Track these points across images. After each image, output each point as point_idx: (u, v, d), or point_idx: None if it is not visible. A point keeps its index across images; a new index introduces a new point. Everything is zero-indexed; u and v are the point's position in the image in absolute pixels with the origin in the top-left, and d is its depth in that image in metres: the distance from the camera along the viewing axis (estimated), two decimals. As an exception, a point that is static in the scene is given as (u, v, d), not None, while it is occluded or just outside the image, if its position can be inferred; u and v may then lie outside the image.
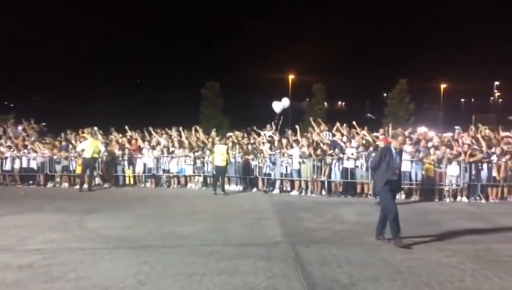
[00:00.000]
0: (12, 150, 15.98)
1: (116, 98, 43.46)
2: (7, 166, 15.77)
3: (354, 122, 15.49)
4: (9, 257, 6.65)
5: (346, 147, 13.66)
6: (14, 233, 8.20)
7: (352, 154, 13.18)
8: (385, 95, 44.07)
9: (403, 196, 12.81)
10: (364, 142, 13.69)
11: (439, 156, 12.60)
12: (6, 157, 15.81)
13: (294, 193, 13.83)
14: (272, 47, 53.00)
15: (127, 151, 15.60)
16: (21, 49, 46.82)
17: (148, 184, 15.51)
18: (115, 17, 61.02)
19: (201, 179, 15.22)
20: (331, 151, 13.73)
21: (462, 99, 66.73)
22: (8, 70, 43.89)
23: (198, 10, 61.99)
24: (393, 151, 7.62)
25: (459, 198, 12.68)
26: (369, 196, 12.90)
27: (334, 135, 15.19)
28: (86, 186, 14.34)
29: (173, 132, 17.39)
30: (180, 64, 51.59)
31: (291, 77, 45.09)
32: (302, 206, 11.59)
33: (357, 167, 13.08)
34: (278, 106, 17.08)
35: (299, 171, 13.83)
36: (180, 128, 17.09)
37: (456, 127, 21.53)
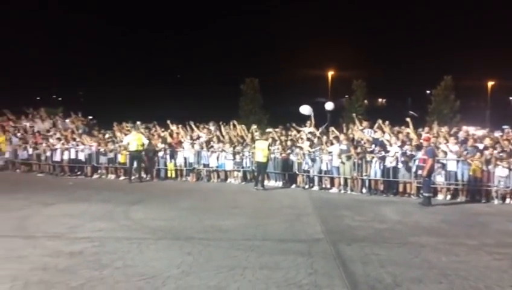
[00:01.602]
0: (61, 142, 16.66)
1: (158, 93, 44.44)
2: (57, 157, 16.48)
3: (408, 120, 14.86)
4: (61, 244, 6.98)
5: (390, 144, 13.37)
6: (65, 221, 8.59)
7: (396, 153, 12.91)
8: (428, 92, 42.81)
9: (449, 197, 12.47)
10: (408, 140, 13.39)
11: (487, 157, 12.15)
12: (56, 149, 16.51)
13: (334, 190, 13.71)
14: (311, 43, 52.51)
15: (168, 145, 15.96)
16: (68, 45, 48.78)
17: (189, 178, 15.79)
18: (157, 13, 62.28)
19: (240, 174, 15.35)
20: (372, 148, 13.51)
21: (511, 98, 63.86)
22: (55, 65, 45.90)
23: (238, 7, 62.20)
24: None
25: (508, 200, 12.16)
26: (411, 196, 12.61)
27: (375, 132, 14.92)
28: (133, 177, 15.13)
29: (211, 126, 17.63)
30: (220, 60, 52.01)
31: (330, 73, 44.53)
32: (342, 204, 11.49)
33: (401, 165, 12.78)
34: (306, 109, 17.02)
35: (339, 169, 13.69)
36: (220, 123, 17.28)
37: (505, 127, 20.68)
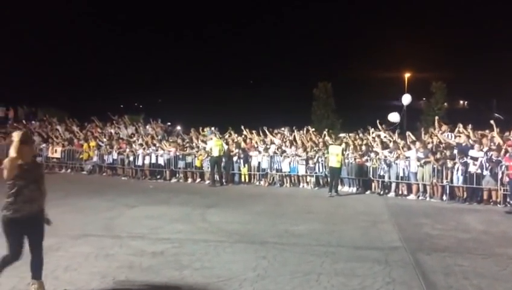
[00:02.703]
0: (143, 147, 17.66)
1: (232, 99, 45.50)
2: (139, 162, 17.48)
3: (492, 122, 13.65)
4: (144, 244, 7.40)
5: (473, 149, 12.58)
6: (146, 223, 9.09)
7: (480, 158, 12.13)
8: (515, 92, 39.69)
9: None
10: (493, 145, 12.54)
11: None
12: (138, 154, 17.53)
13: (412, 197, 13.19)
14: (386, 44, 50.84)
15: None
16: (146, 56, 51.83)
17: (261, 182, 16.01)
18: (229, 21, 63.89)
19: (313, 179, 15.27)
20: (454, 154, 12.81)
21: None
22: (137, 74, 48.88)
23: (310, 10, 62.02)
24: None
25: None
26: (498, 204, 11.79)
27: (456, 137, 14.16)
28: (209, 182, 15.80)
29: (285, 131, 17.77)
30: (293, 64, 52.16)
31: (407, 75, 42.80)
32: (420, 211, 11.03)
33: (486, 171, 11.99)
34: (395, 116, 16.58)
35: (416, 174, 13.15)
36: (293, 128, 17.35)
37: None
